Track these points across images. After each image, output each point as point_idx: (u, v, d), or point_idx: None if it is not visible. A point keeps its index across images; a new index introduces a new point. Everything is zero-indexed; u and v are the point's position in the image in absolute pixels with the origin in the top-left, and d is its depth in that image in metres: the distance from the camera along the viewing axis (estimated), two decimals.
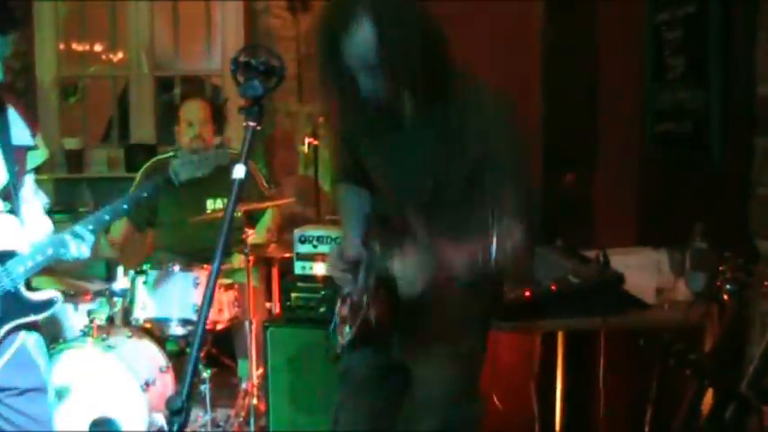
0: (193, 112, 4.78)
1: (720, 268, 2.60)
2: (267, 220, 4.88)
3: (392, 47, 2.46)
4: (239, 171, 1.96)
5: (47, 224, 3.11)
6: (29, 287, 3.01)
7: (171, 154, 4.80)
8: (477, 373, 2.92)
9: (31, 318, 2.99)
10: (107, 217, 3.11)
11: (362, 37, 2.45)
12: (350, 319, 2.88)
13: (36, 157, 3.11)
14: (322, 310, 3.91)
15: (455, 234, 2.48)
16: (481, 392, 2.96)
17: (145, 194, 3.19)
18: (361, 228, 2.86)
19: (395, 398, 2.93)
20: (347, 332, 2.87)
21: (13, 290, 2.92)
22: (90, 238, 3.01)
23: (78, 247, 2.99)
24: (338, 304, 2.98)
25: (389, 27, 2.46)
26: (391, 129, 2.69)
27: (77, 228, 3.00)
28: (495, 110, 2.64)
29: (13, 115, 3.03)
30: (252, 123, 2.02)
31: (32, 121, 3.13)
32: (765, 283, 2.50)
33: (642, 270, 3.45)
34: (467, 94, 2.63)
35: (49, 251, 2.97)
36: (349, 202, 2.99)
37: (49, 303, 3.02)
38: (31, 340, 3.02)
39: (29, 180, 3.10)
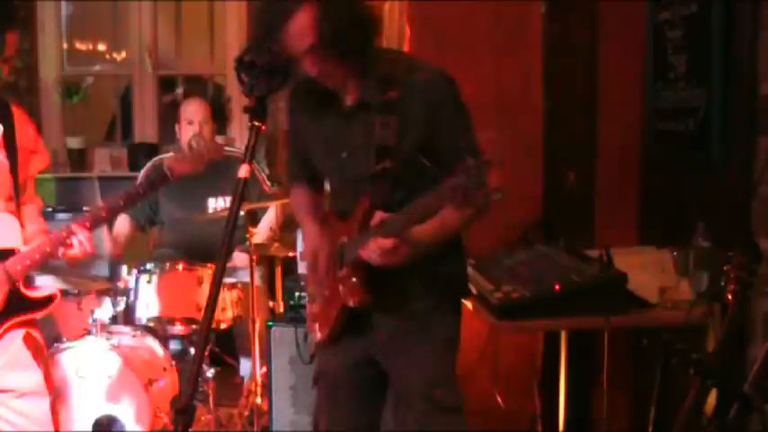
0: (193, 111, 4.78)
1: (724, 268, 2.60)
2: (270, 219, 4.89)
3: (330, 26, 2.50)
4: (244, 171, 1.97)
5: (43, 225, 3.13)
6: (28, 285, 3.02)
7: (168, 156, 4.81)
8: (455, 358, 2.92)
9: (31, 315, 3.00)
10: (104, 214, 3.11)
11: (301, 20, 2.49)
12: (322, 317, 2.91)
13: (39, 163, 3.13)
14: None
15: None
16: (483, 390, 2.97)
17: (141, 191, 3.17)
18: (319, 224, 2.91)
19: (371, 394, 2.95)
20: (318, 331, 2.92)
21: (12, 288, 2.93)
22: (87, 235, 3.01)
23: (77, 244, 2.99)
24: (307, 303, 3.03)
25: (327, 9, 2.50)
26: (336, 117, 2.74)
27: (74, 225, 3.00)
28: (438, 85, 2.68)
29: (20, 118, 3.05)
30: (257, 123, 2.02)
31: (35, 126, 3.15)
32: None
33: (645, 269, 3.45)
34: (406, 70, 2.67)
35: (48, 249, 2.98)
36: (303, 201, 3.03)
37: (48, 300, 3.03)
38: (31, 341, 3.03)
39: (30, 183, 3.12)
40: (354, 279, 2.70)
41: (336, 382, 2.95)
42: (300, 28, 2.50)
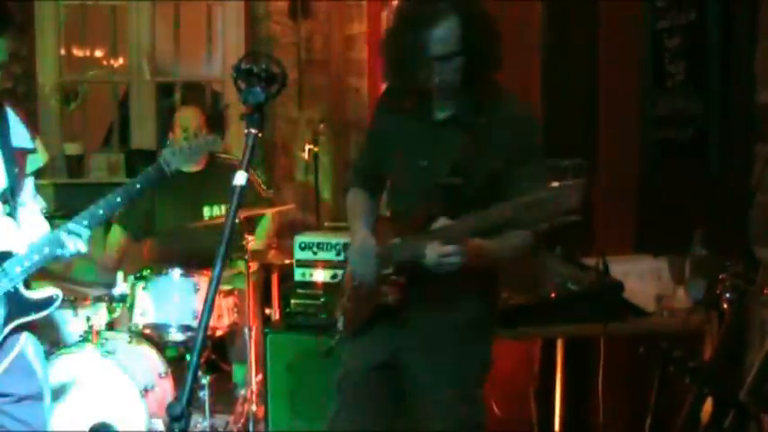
0: (188, 118, 4.78)
1: (720, 276, 2.60)
2: (266, 226, 4.88)
3: (470, 42, 2.64)
4: (241, 178, 1.96)
5: (44, 227, 3.10)
6: (27, 287, 3.01)
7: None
8: (484, 379, 2.97)
9: (33, 316, 2.99)
10: (101, 211, 3.08)
11: (447, 28, 2.63)
12: (350, 312, 2.97)
13: (35, 161, 3.11)
14: (322, 316, 3.91)
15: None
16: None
17: (138, 186, 3.15)
18: (370, 227, 2.96)
19: (391, 399, 2.97)
20: (341, 323, 3.00)
21: (12, 290, 2.92)
22: (85, 233, 3.00)
23: (75, 243, 2.97)
24: (340, 297, 3.06)
25: (472, 23, 2.65)
26: (424, 126, 2.84)
27: (71, 225, 2.99)
28: (526, 122, 2.83)
29: (13, 118, 3.03)
30: (253, 130, 2.02)
31: (31, 124, 3.13)
32: (765, 290, 2.51)
33: (642, 277, 3.46)
34: (502, 100, 2.81)
35: (46, 250, 2.96)
36: (359, 204, 3.07)
37: (49, 301, 3.02)
38: (30, 346, 3.01)
39: (28, 183, 3.10)
40: (398, 278, 2.76)
41: (358, 383, 2.96)
42: (444, 34, 2.63)
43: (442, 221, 2.66)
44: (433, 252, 2.61)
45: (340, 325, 3.03)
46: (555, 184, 2.37)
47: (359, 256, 2.91)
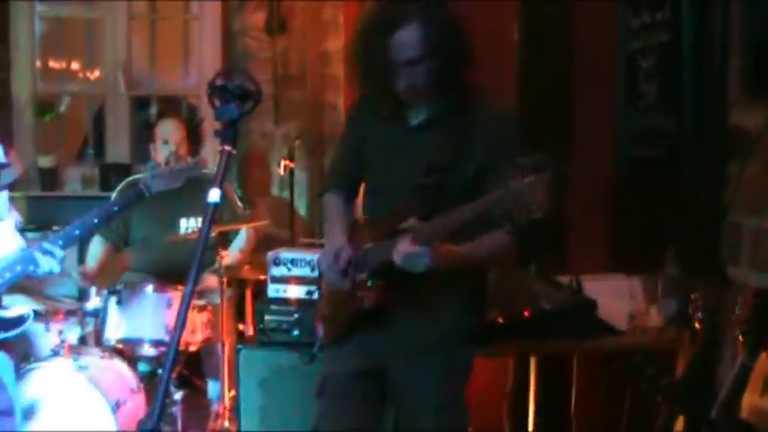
0: (170, 130, 4.75)
1: (692, 295, 2.62)
2: (241, 241, 4.86)
3: (435, 45, 2.66)
4: (214, 195, 1.96)
5: (18, 241, 3.08)
6: None
7: (141, 177, 4.79)
8: (466, 383, 2.96)
9: (3, 335, 2.96)
10: (77, 231, 3.08)
11: (411, 32, 2.64)
12: (329, 319, 2.96)
13: (9, 175, 3.09)
14: (295, 332, 3.90)
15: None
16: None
17: (116, 208, 3.15)
18: (346, 233, 2.94)
19: (374, 404, 2.95)
20: (322, 330, 2.99)
21: None
22: (59, 253, 2.98)
23: (48, 262, 2.96)
24: (319, 304, 3.06)
25: (437, 26, 2.67)
26: (401, 129, 2.85)
27: (46, 244, 2.97)
28: (505, 121, 2.83)
29: None
30: (227, 147, 2.02)
31: (6, 138, 3.11)
32: (736, 310, 2.52)
33: (615, 296, 3.47)
34: (478, 102, 2.80)
35: (18, 268, 2.94)
36: (337, 209, 3.07)
37: (20, 320, 3.00)
38: (1, 362, 2.99)
39: (2, 197, 3.08)
40: (374, 283, 2.75)
41: (340, 389, 2.94)
42: (410, 38, 2.65)
43: (411, 222, 2.64)
44: (400, 252, 2.60)
45: (320, 332, 3.02)
46: (520, 179, 2.34)
47: (331, 262, 2.89)
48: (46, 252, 2.97)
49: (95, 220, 3.09)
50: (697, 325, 2.65)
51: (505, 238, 2.71)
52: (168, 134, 4.73)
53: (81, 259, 5.34)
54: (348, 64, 2.90)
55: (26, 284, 3.74)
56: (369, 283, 2.77)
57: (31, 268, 2.96)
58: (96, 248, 4.81)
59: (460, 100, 2.78)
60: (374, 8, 2.82)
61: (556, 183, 2.34)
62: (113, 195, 4.86)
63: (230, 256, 4.53)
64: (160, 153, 4.69)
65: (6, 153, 3.07)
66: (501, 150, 2.71)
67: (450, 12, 2.76)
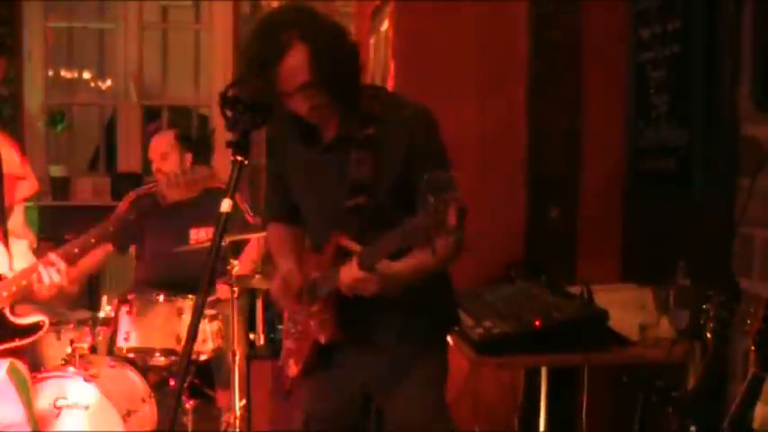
0: (152, 148, 4.79)
1: (703, 306, 2.61)
2: (252, 250, 4.87)
3: (323, 64, 2.52)
4: (226, 205, 1.96)
5: (31, 260, 3.09)
6: (13, 312, 2.99)
7: (153, 185, 4.78)
8: (444, 390, 2.93)
9: (17, 342, 2.97)
10: (93, 240, 3.09)
11: (295, 59, 2.50)
12: (296, 352, 2.91)
13: (26, 188, 3.10)
14: None
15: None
16: (464, 427, 2.97)
17: (132, 217, 3.16)
18: (295, 259, 2.88)
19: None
20: (292, 366, 2.92)
21: None
22: (61, 265, 2.99)
23: (49, 275, 2.96)
24: (283, 338, 3.01)
25: (320, 46, 2.53)
26: (315, 152, 2.75)
27: (51, 256, 2.98)
28: (418, 122, 2.70)
29: (3, 144, 3.03)
30: (239, 158, 2.02)
31: (21, 152, 3.13)
32: (748, 321, 2.52)
33: (626, 307, 3.46)
34: (387, 107, 2.70)
35: (28, 280, 2.95)
36: (279, 238, 3.00)
37: (35, 328, 3.00)
38: (14, 372, 2.99)
39: (18, 211, 3.09)
40: (325, 315, 2.71)
41: (331, 422, 2.93)
42: (294, 65, 2.50)
43: (347, 242, 2.59)
44: (346, 280, 2.54)
45: (287, 368, 2.96)
46: (431, 199, 2.19)
47: (285, 288, 2.84)
48: (49, 264, 2.97)
49: (111, 228, 3.10)
50: (709, 336, 2.63)
51: (446, 242, 2.50)
52: (150, 151, 4.77)
53: None
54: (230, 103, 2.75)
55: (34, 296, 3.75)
56: (324, 315, 2.71)
57: (38, 281, 2.96)
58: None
59: (370, 108, 2.68)
60: (250, 38, 2.63)
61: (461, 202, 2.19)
62: (120, 205, 4.87)
63: (241, 265, 4.54)
64: (152, 168, 4.72)
65: (22, 165, 3.08)
66: (423, 148, 2.65)
67: (328, 23, 2.64)
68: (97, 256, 4.73)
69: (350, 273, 2.53)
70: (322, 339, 2.73)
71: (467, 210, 2.18)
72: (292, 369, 2.92)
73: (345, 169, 2.67)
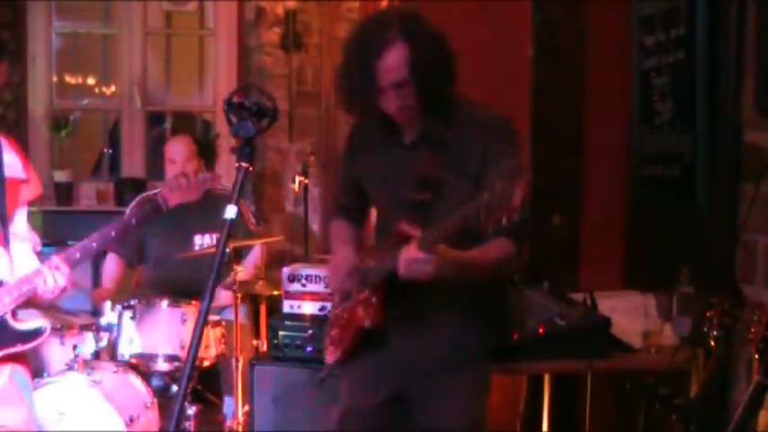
0: (175, 150, 4.78)
1: (707, 313, 2.61)
2: (255, 256, 4.88)
3: (421, 65, 2.63)
4: (231, 211, 1.97)
5: (35, 263, 3.08)
6: (15, 317, 2.99)
7: (158, 191, 4.79)
8: (487, 401, 2.95)
9: (19, 347, 2.96)
10: (94, 244, 3.08)
11: (395, 56, 2.62)
12: (338, 339, 2.94)
13: (29, 191, 3.10)
14: (309, 348, 3.90)
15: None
16: None
17: (134, 222, 3.16)
18: (353, 248, 2.96)
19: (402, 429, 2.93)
20: (332, 353, 2.96)
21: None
22: (65, 269, 2.98)
23: (53, 278, 2.96)
24: (327, 327, 3.04)
25: (420, 47, 2.64)
26: (394, 152, 2.85)
27: (54, 259, 2.98)
28: (496, 124, 2.79)
29: (6, 147, 3.03)
30: (244, 164, 2.03)
31: (24, 155, 3.13)
32: (751, 328, 2.52)
33: (629, 314, 3.46)
34: (468, 111, 2.79)
35: (33, 283, 2.95)
36: (341, 231, 3.09)
37: (36, 332, 2.99)
38: (16, 377, 2.99)
39: (21, 214, 3.08)
40: (374, 299, 2.74)
41: (366, 419, 2.93)
42: (394, 62, 2.62)
43: (406, 227, 2.62)
44: (404, 260, 2.56)
45: (327, 355, 3.01)
46: (497, 180, 2.27)
47: (338, 272, 2.91)
48: (53, 268, 2.97)
49: (113, 234, 3.09)
50: (712, 343, 2.63)
51: (506, 242, 2.68)
52: (174, 153, 4.76)
53: (95, 274, 5.37)
54: (338, 92, 2.86)
55: (38, 299, 3.75)
56: (373, 299, 2.76)
57: (51, 282, 2.96)
58: (112, 267, 4.84)
59: (451, 113, 2.77)
60: (355, 34, 2.80)
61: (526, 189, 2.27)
62: (127, 210, 4.89)
63: (244, 271, 4.54)
64: (168, 172, 4.72)
65: (25, 169, 3.08)
66: (498, 151, 2.68)
67: (431, 27, 2.74)
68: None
69: (408, 253, 2.55)
70: (367, 323, 2.76)
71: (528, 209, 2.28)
72: (332, 355, 2.95)
73: (420, 167, 2.76)
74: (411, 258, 2.55)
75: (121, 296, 4.52)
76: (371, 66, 2.63)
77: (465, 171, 2.71)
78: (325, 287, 3.85)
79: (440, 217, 2.60)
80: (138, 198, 4.91)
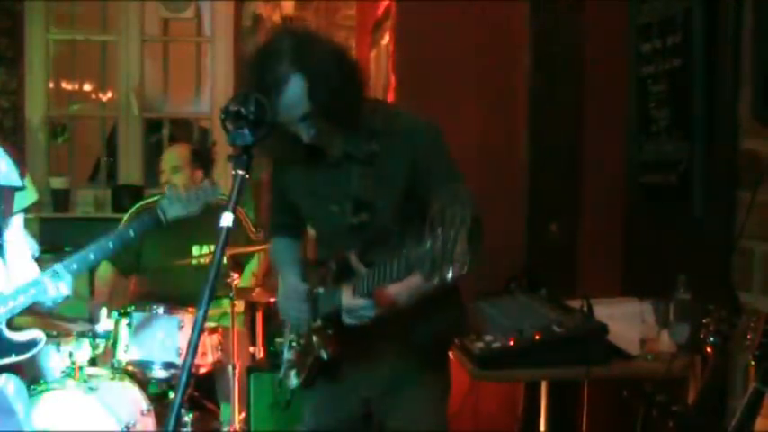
0: (167, 159, 4.79)
1: (704, 320, 2.61)
2: (253, 264, 4.87)
3: (322, 93, 2.52)
4: (227, 219, 1.96)
5: (33, 270, 3.08)
6: (11, 327, 2.98)
7: (157, 198, 4.79)
8: (446, 405, 2.95)
9: (14, 358, 2.96)
10: (92, 255, 3.08)
11: (293, 91, 2.51)
12: (298, 364, 2.92)
13: (24, 198, 3.10)
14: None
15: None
16: None
17: (132, 233, 3.15)
18: (299, 273, 2.90)
19: None
20: (293, 377, 2.94)
21: None
22: (68, 277, 2.98)
23: (56, 286, 2.95)
24: (285, 350, 3.02)
25: (317, 75, 2.52)
26: (320, 169, 2.76)
27: (57, 267, 2.97)
28: (421, 133, 2.70)
29: (1, 154, 3.02)
30: (240, 172, 2.02)
31: (21, 161, 3.12)
32: (748, 335, 2.52)
33: (626, 320, 3.46)
34: (388, 121, 2.69)
35: (32, 292, 2.94)
36: (284, 251, 3.04)
37: (32, 344, 2.99)
38: (11, 385, 2.98)
39: (16, 221, 3.08)
40: (328, 331, 2.72)
41: None
42: (294, 96, 2.51)
43: (353, 260, 2.58)
44: (344, 309, 2.56)
45: (291, 378, 2.98)
46: (439, 230, 2.10)
47: (290, 301, 2.87)
48: (55, 275, 2.96)
49: (110, 245, 3.09)
50: (709, 350, 2.63)
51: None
52: (165, 163, 4.76)
53: (92, 282, 5.36)
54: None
55: (37, 306, 3.74)
56: (328, 331, 2.73)
57: (42, 292, 2.96)
58: (104, 273, 4.82)
59: (371, 124, 2.67)
60: (249, 71, 2.63)
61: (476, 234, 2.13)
62: (125, 219, 4.88)
63: (242, 279, 4.54)
64: (163, 182, 4.71)
65: (21, 176, 3.07)
66: (431, 156, 2.65)
67: (324, 44, 2.64)
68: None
69: (348, 301, 2.55)
70: (324, 356, 2.73)
71: (481, 222, 2.19)
72: (293, 381, 2.93)
73: (349, 187, 2.68)
74: (351, 307, 2.55)
75: (114, 304, 4.51)
76: (272, 104, 2.42)
77: (397, 185, 2.66)
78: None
79: (376, 238, 2.61)
80: (135, 208, 4.91)
